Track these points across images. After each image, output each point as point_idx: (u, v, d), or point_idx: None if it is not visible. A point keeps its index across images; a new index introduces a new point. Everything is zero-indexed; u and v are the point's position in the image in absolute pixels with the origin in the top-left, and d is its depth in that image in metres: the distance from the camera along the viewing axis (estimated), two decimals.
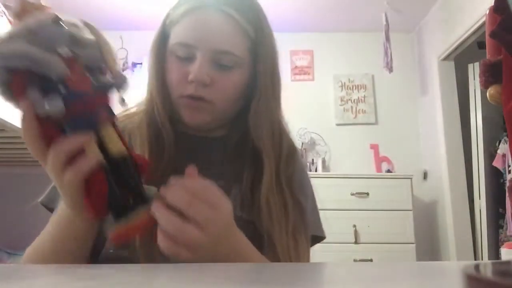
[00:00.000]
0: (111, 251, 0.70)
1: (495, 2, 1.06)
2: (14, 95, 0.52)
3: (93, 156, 0.50)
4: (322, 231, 0.82)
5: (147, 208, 0.51)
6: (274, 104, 0.76)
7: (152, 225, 0.52)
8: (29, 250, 0.67)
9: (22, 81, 0.50)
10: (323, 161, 3.53)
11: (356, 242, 3.00)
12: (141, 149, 0.72)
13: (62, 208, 0.60)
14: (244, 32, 0.72)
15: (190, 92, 0.71)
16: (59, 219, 0.61)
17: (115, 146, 0.52)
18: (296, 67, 3.75)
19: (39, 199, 0.78)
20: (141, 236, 0.64)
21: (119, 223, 0.51)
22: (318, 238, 0.81)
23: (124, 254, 0.69)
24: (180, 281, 0.40)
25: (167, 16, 0.76)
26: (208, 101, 0.72)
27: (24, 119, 0.52)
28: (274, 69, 0.76)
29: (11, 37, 0.50)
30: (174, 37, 0.73)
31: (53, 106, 0.48)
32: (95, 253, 0.72)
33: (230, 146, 0.78)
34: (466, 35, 2.94)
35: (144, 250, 0.64)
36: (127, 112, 0.81)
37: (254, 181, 0.73)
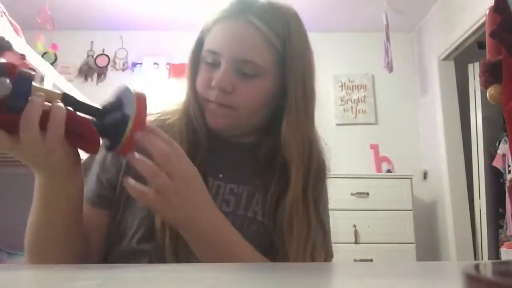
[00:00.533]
0: (135, 245, 0.71)
1: (495, 2, 1.06)
2: None
3: (58, 107, 0.53)
4: (331, 251, 0.83)
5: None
6: (306, 119, 0.78)
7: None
8: (26, 239, 0.67)
9: None
10: None
11: (356, 242, 3.00)
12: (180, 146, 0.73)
13: (43, 183, 0.60)
14: (269, 44, 0.73)
15: (212, 98, 0.73)
16: (45, 190, 0.61)
17: (53, 92, 0.56)
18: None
19: None
20: (169, 231, 0.68)
21: (119, 140, 0.56)
22: None
23: (147, 248, 0.70)
24: (180, 281, 0.40)
25: (204, 22, 0.79)
26: (229, 107, 0.73)
27: None
28: (306, 84, 0.79)
29: None
30: (206, 44, 0.76)
31: (3, 87, 0.50)
32: (114, 246, 0.73)
33: (261, 154, 0.79)
34: (466, 35, 2.94)
35: (171, 244, 0.67)
36: (163, 111, 0.83)
37: (282, 193, 0.74)
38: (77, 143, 0.58)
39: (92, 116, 0.58)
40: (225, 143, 0.80)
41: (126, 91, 0.59)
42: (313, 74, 0.82)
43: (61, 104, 0.54)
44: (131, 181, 0.58)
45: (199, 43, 0.78)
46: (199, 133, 0.76)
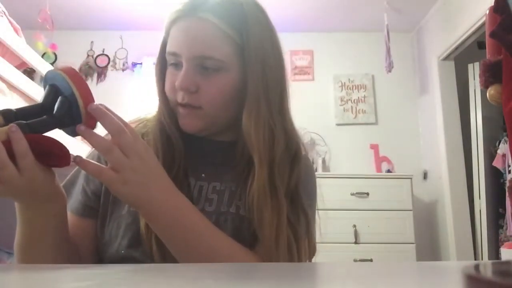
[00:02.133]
0: (123, 251, 0.71)
1: (495, 2, 1.06)
2: None
3: (15, 136, 0.53)
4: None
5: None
6: (267, 107, 0.74)
7: None
8: (17, 258, 0.70)
9: None
10: (323, 161, 3.53)
11: (356, 242, 3.00)
12: (155, 154, 0.73)
13: (26, 207, 0.62)
14: (226, 37, 0.72)
15: (179, 100, 0.73)
16: (30, 213, 0.62)
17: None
18: (296, 67, 3.75)
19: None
20: (155, 236, 0.67)
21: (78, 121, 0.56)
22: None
23: (135, 255, 0.70)
24: (179, 280, 0.40)
25: (164, 25, 0.78)
26: (196, 107, 0.73)
27: None
28: (266, 72, 0.74)
29: None
30: (167, 47, 0.75)
31: None
32: (104, 254, 0.74)
33: (239, 150, 0.78)
34: (466, 35, 2.94)
35: (158, 248, 0.67)
36: (142, 118, 0.83)
37: (251, 184, 0.73)
38: (48, 161, 0.57)
39: (40, 115, 0.57)
40: (202, 143, 0.80)
41: (52, 74, 0.57)
42: (278, 62, 0.77)
43: (15, 129, 0.53)
44: (84, 159, 0.58)
45: (163, 47, 0.77)
46: (173, 138, 0.76)
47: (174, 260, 0.66)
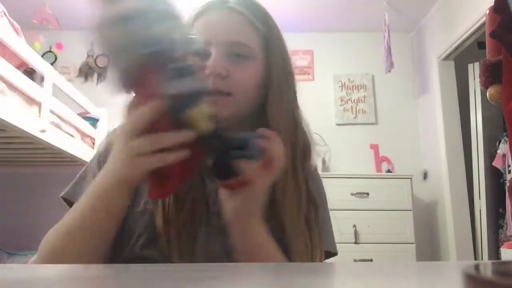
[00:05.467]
0: (138, 251, 0.70)
1: (495, 2, 1.06)
2: (136, 82, 0.54)
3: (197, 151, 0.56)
4: (334, 246, 0.83)
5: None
6: (289, 96, 0.79)
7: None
8: (48, 234, 0.66)
9: (150, 67, 0.52)
10: (323, 161, 3.53)
11: (356, 242, 3.00)
12: None
13: (106, 181, 0.60)
14: (254, 27, 0.76)
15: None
16: (99, 191, 0.61)
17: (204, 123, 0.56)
18: (296, 67, 3.74)
19: (61, 194, 0.77)
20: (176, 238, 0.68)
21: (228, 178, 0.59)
22: (329, 253, 0.81)
23: (151, 253, 0.69)
24: (180, 280, 0.40)
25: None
26: (227, 95, 0.73)
27: (145, 108, 0.54)
28: (286, 64, 0.81)
29: (124, 19, 0.51)
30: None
31: (188, 85, 0.52)
32: (117, 253, 0.72)
33: None
34: (466, 35, 2.94)
35: (176, 247, 0.67)
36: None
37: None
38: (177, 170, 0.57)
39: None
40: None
41: (254, 136, 0.60)
42: (290, 58, 0.84)
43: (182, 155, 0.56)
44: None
45: None
46: None
47: (191, 260, 0.66)
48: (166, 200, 0.70)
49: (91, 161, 0.79)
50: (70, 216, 0.65)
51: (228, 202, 0.62)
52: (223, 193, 0.63)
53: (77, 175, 0.78)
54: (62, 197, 0.77)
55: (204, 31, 0.74)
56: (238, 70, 0.73)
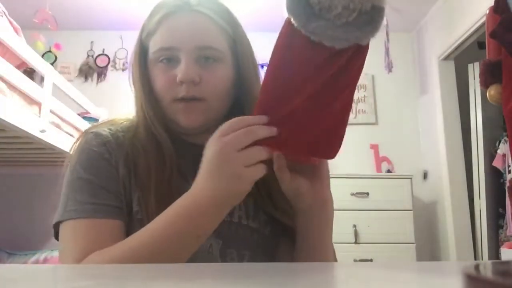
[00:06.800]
0: None
1: (495, 2, 1.06)
2: None
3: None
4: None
5: None
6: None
7: None
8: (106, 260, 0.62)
9: None
10: None
11: (356, 242, 3.00)
12: (145, 161, 0.71)
13: (200, 203, 0.59)
14: (222, 29, 0.74)
15: (182, 94, 0.71)
16: (189, 214, 0.60)
17: None
18: None
19: (54, 221, 0.71)
20: None
21: None
22: None
23: None
24: (180, 280, 0.40)
25: (143, 29, 0.77)
26: (200, 100, 0.72)
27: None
28: (255, 66, 0.79)
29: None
30: (154, 46, 0.73)
31: None
32: None
33: None
34: (466, 35, 2.94)
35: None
36: (122, 124, 0.79)
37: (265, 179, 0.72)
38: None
39: None
40: (194, 147, 0.74)
41: None
42: (253, 51, 0.81)
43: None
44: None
45: (142, 51, 0.76)
46: (161, 141, 0.73)
47: (201, 260, 0.65)
48: (150, 207, 0.68)
49: (74, 172, 0.74)
50: (142, 241, 0.61)
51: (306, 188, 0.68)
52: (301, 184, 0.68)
53: (63, 194, 0.72)
54: (55, 224, 0.70)
55: (171, 35, 0.72)
56: (210, 75, 0.72)
